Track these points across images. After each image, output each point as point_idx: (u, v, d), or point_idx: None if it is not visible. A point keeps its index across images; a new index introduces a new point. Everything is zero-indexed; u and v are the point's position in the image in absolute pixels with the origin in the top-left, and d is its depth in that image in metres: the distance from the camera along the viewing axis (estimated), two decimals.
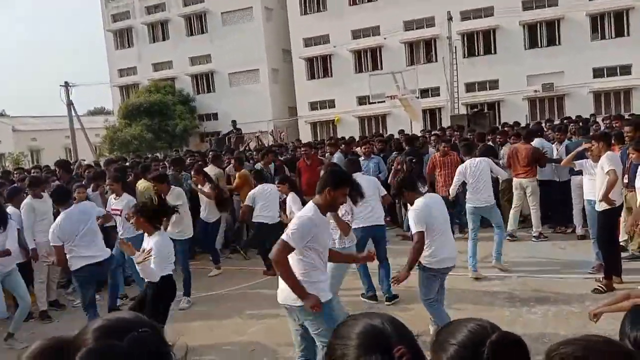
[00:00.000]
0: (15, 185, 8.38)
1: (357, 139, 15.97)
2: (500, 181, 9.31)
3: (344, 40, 33.20)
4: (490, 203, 7.19)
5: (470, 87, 30.65)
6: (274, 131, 26.39)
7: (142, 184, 8.31)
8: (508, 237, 8.36)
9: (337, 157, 10.16)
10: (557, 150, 8.97)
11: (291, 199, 6.87)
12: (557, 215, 9.08)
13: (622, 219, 6.54)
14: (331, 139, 15.35)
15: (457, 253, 5.22)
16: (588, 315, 3.29)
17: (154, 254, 4.56)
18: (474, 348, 1.23)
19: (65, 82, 31.12)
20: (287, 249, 3.56)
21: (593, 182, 6.31)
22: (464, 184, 7.39)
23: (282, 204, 7.62)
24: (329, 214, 4.03)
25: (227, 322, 6.12)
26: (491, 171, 7.31)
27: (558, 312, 5.49)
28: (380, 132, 27.37)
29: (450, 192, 7.50)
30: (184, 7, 38.32)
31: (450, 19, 27.22)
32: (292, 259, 3.63)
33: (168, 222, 6.20)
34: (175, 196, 7.01)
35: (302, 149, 10.80)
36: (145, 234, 4.84)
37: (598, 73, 28.27)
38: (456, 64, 27.52)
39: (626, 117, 13.23)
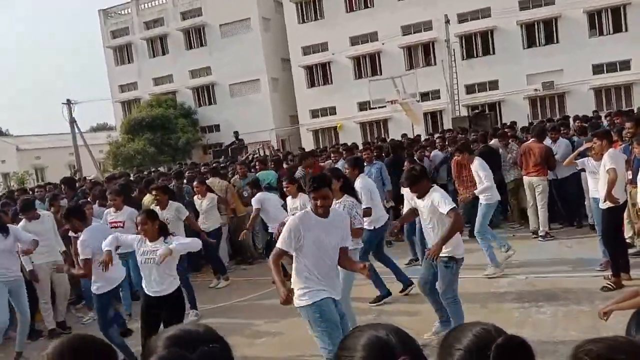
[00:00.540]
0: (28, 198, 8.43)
1: (359, 145, 16.03)
2: (508, 181, 9.32)
3: (343, 47, 33.31)
4: None
5: (470, 88, 30.67)
6: (262, 144, 25.73)
7: (147, 199, 8.35)
8: (533, 236, 8.56)
9: (340, 165, 10.17)
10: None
11: (302, 200, 6.71)
12: (564, 212, 9.08)
13: (625, 214, 6.53)
14: (334, 146, 15.38)
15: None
16: (598, 314, 3.28)
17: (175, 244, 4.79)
18: (480, 352, 1.24)
19: (67, 100, 31.27)
20: (278, 252, 3.93)
21: (597, 181, 6.31)
22: None
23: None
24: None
25: (235, 335, 6.12)
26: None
27: (568, 312, 5.46)
28: (383, 136, 27.43)
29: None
30: (182, 21, 38.57)
31: (447, 21, 27.32)
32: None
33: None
34: (175, 210, 7.06)
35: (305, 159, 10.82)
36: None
37: (598, 69, 28.26)
38: (455, 66, 27.57)
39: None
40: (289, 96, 36.46)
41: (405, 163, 8.47)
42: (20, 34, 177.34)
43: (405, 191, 7.18)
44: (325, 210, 3.91)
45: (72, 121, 31.50)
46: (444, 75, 27.56)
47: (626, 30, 27.61)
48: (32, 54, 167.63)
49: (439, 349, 1.35)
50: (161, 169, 22.55)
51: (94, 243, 5.29)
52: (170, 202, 7.20)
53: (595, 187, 6.39)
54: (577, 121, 12.79)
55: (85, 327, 6.88)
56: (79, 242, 5.47)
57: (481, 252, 7.17)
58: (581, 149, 7.21)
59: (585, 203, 8.53)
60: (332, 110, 34.72)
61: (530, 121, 22.93)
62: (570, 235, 8.58)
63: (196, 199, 8.55)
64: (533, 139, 8.74)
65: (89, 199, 8.47)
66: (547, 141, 8.88)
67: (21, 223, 6.67)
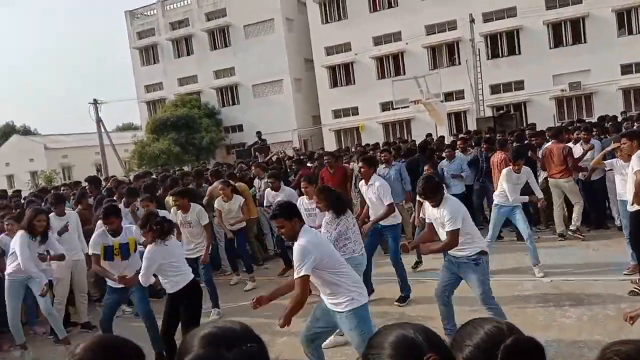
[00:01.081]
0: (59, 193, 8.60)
1: (381, 145, 15.98)
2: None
3: (366, 47, 33.24)
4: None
5: (495, 88, 30.33)
6: (284, 146, 25.61)
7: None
8: (559, 239, 8.49)
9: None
10: (583, 150, 8.79)
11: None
12: (592, 215, 8.93)
13: None
14: (357, 146, 15.31)
15: None
16: (623, 317, 3.22)
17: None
18: (488, 351, 1.25)
19: (94, 100, 31.78)
20: (304, 280, 3.84)
21: (624, 182, 6.19)
22: None
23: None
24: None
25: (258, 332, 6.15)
26: None
27: (593, 316, 5.37)
28: (405, 137, 27.31)
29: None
30: (207, 21, 38.94)
31: (472, 21, 27.04)
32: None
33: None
34: (197, 214, 7.08)
35: (325, 157, 10.76)
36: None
37: (626, 69, 27.68)
38: (480, 66, 27.28)
39: None
40: (312, 96, 36.52)
41: (425, 167, 8.43)
42: (62, 33, 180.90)
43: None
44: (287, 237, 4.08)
45: (99, 121, 32.00)
46: (469, 75, 27.29)
47: None
48: (60, 54, 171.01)
49: (452, 341, 1.35)
50: (185, 168, 22.79)
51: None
52: (193, 205, 7.20)
53: (623, 189, 6.27)
54: (610, 123, 12.53)
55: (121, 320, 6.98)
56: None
57: (502, 255, 7.14)
58: (608, 149, 7.08)
59: (611, 205, 8.38)
60: (355, 111, 34.67)
61: (557, 122, 22.59)
62: (597, 238, 8.43)
63: (221, 200, 8.50)
64: (553, 141, 8.64)
65: (114, 197, 8.63)
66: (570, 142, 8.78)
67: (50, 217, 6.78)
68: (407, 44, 32.05)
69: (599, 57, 27.28)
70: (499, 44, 30.69)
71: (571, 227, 8.46)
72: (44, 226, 6.03)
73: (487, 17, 30.15)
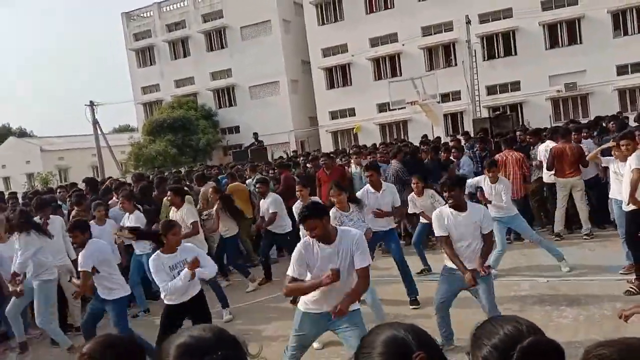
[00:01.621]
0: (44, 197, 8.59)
1: (378, 146, 15.98)
2: (532, 180, 9.19)
3: (362, 48, 33.29)
4: None
5: (491, 89, 30.41)
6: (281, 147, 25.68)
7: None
8: (556, 238, 8.45)
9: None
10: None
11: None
12: (596, 215, 8.93)
13: None
14: (354, 147, 15.31)
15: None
16: (618, 315, 3.22)
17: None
18: (506, 352, 1.24)
19: (90, 102, 31.75)
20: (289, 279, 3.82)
21: (620, 182, 6.19)
22: None
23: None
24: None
25: (252, 335, 6.14)
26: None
27: (590, 316, 5.38)
28: (402, 138, 27.33)
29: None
30: (203, 23, 38.94)
31: (468, 22, 27.09)
32: None
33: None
34: (184, 213, 7.12)
35: (322, 159, 10.76)
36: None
37: (622, 70, 27.79)
38: (476, 67, 27.34)
39: None
40: (309, 98, 36.55)
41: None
42: (59, 33, 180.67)
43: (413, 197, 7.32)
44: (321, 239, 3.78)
45: (95, 122, 31.97)
46: (465, 76, 27.37)
47: None
48: (55, 56, 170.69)
49: (472, 337, 1.35)
50: (182, 170, 22.76)
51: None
52: (184, 204, 7.31)
53: (619, 189, 6.27)
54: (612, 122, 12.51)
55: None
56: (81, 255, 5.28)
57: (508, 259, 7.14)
58: (604, 146, 7.09)
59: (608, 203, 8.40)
60: (352, 112, 34.70)
61: (553, 122, 22.64)
62: (593, 237, 8.44)
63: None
64: (562, 141, 8.52)
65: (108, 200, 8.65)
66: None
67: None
68: (403, 45, 32.10)
69: (594, 57, 27.38)
70: (495, 45, 30.77)
71: (585, 231, 8.42)
72: None
73: (484, 18, 30.23)
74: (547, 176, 8.86)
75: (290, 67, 36.72)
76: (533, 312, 5.71)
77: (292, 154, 16.59)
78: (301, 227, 3.96)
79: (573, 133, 8.87)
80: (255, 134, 25.69)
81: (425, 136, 18.01)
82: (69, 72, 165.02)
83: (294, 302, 7.16)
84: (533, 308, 5.83)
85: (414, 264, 7.20)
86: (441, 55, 32.13)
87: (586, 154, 8.16)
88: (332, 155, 12.46)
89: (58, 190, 11.43)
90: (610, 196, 6.71)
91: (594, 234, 8.46)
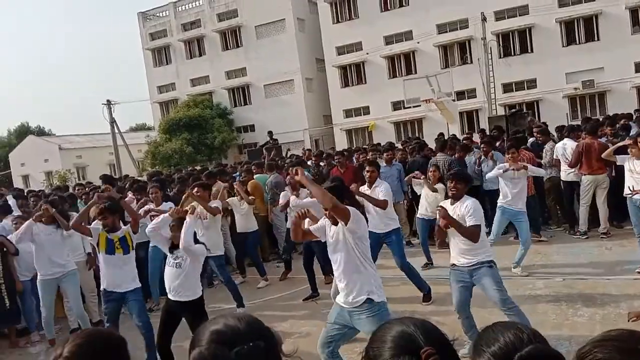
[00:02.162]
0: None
1: (395, 144, 15.92)
2: (545, 179, 9.13)
3: (377, 46, 33.22)
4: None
5: (507, 87, 30.18)
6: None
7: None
8: (584, 237, 8.42)
9: None
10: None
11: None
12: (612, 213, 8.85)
13: None
14: (370, 145, 15.30)
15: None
16: (628, 316, 3.21)
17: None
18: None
19: (108, 101, 32.09)
20: None
21: (633, 180, 6.15)
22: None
23: None
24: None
25: None
26: None
27: (606, 315, 5.36)
28: (417, 136, 27.23)
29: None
30: (218, 22, 39.13)
31: (484, 19, 26.91)
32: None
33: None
34: (217, 203, 7.24)
35: (336, 157, 10.80)
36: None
37: None
38: (492, 64, 27.15)
39: None
40: (323, 96, 36.57)
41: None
42: (68, 34, 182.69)
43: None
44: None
45: (112, 121, 32.31)
46: (480, 74, 27.18)
47: None
48: (74, 55, 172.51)
49: (474, 343, 1.38)
50: (197, 168, 22.91)
51: None
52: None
53: (632, 186, 6.23)
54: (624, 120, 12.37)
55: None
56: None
57: (512, 254, 7.14)
58: (620, 144, 7.03)
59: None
60: (366, 110, 34.66)
61: (570, 120, 22.42)
62: (611, 236, 8.39)
63: (236, 199, 8.57)
64: (589, 137, 8.36)
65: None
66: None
67: None
68: (418, 43, 31.98)
69: (612, 54, 27.04)
70: (511, 42, 30.52)
71: (602, 231, 8.35)
72: None
73: (499, 16, 29.99)
74: (566, 174, 8.75)
75: (305, 66, 36.77)
76: (548, 310, 5.70)
77: (302, 152, 16.53)
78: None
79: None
80: (270, 132, 25.76)
81: (441, 134, 17.94)
82: (86, 72, 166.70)
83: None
84: (548, 306, 5.82)
85: (417, 260, 7.24)
86: (456, 52, 31.94)
87: None
88: (345, 152, 12.42)
89: (76, 188, 11.58)
90: (625, 194, 6.63)
91: (611, 232, 8.40)
